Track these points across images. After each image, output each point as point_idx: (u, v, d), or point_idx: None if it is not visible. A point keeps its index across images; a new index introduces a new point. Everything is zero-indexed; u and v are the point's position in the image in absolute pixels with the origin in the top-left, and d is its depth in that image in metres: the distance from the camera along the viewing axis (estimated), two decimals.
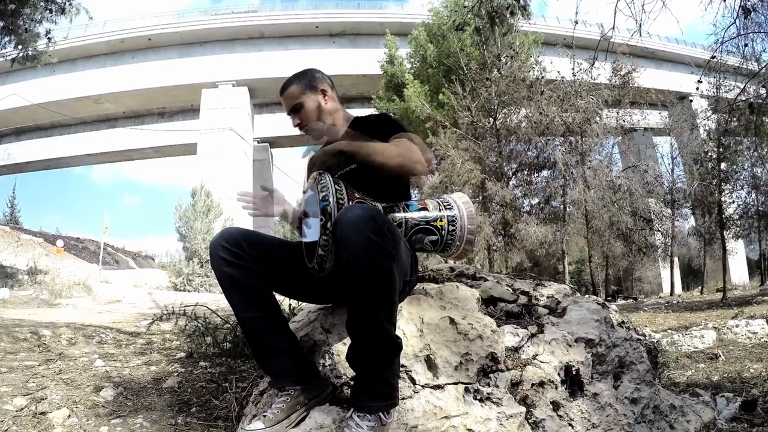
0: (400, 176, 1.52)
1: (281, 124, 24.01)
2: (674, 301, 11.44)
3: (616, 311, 2.13)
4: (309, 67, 1.74)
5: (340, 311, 1.58)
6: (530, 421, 1.40)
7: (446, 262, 2.37)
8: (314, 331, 1.58)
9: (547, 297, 1.98)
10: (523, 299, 1.91)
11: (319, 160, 1.39)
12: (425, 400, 1.34)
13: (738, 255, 20.84)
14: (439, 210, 1.50)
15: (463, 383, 1.40)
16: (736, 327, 4.56)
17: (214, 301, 4.43)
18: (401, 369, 1.34)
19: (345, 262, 1.16)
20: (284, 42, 22.92)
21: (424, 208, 1.50)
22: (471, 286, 1.87)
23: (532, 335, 1.62)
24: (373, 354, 1.20)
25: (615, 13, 3.65)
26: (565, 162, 12.23)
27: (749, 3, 3.83)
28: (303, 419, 1.33)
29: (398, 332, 1.30)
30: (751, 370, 2.99)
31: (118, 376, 2.26)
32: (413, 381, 1.38)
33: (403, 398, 1.33)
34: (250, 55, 22.62)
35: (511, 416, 1.36)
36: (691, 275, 23.15)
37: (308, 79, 1.64)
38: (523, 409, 1.40)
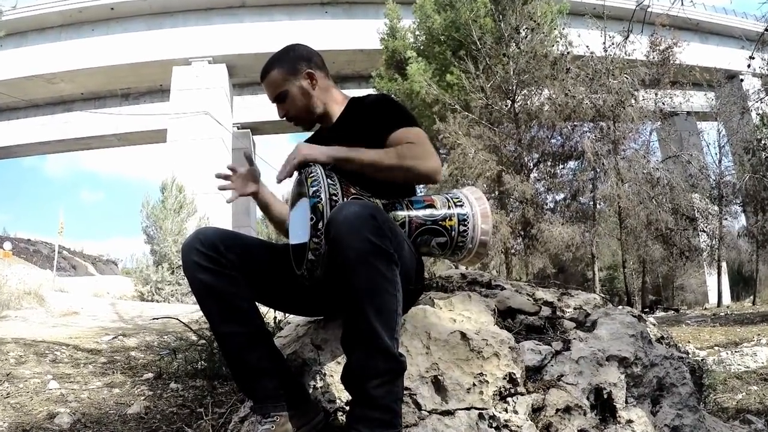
0: None
1: (264, 107, 23.93)
2: (722, 313, 11.44)
3: (654, 325, 2.14)
4: (296, 42, 1.72)
5: (334, 325, 1.58)
6: None
7: (457, 267, 2.37)
8: (303, 348, 1.58)
9: (574, 308, 1.98)
10: (546, 311, 1.91)
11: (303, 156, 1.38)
12: (432, 428, 1.34)
13: None
14: (449, 207, 1.50)
15: (476, 408, 1.40)
16: None
17: (187, 313, 4.43)
18: (405, 392, 1.34)
19: (339, 267, 1.16)
20: (268, 12, 22.85)
21: (431, 206, 1.50)
22: (485, 296, 1.87)
23: (557, 353, 1.62)
24: (372, 374, 1.20)
25: None
26: (595, 151, 12.23)
27: None
28: None
29: (401, 349, 1.30)
30: None
31: (75, 400, 2.27)
32: (418, 406, 1.38)
33: (407, 426, 1.33)
34: (228, 27, 22.54)
35: None
36: (742, 283, 23.13)
37: (291, 60, 1.63)
38: None
